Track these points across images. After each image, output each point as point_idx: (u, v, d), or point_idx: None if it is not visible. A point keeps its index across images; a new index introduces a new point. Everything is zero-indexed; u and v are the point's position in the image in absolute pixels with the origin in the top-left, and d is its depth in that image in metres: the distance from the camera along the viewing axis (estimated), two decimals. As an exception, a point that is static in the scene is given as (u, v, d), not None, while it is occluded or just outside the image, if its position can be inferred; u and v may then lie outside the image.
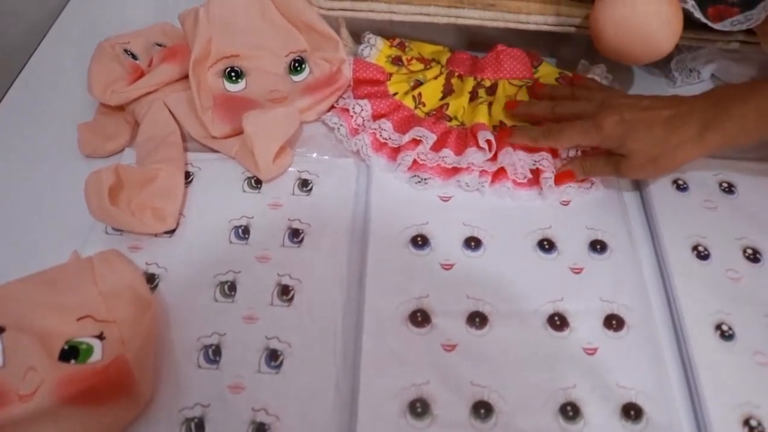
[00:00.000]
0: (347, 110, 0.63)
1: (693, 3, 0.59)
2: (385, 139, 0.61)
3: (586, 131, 0.57)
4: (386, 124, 0.61)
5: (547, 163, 0.59)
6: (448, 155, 0.59)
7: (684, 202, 0.60)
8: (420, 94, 0.65)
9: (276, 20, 0.65)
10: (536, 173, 0.60)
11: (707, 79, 0.71)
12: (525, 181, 0.60)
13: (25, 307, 0.49)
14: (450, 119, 0.63)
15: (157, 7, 0.81)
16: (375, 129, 0.61)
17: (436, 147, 0.60)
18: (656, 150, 0.54)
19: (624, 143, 0.55)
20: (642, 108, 0.55)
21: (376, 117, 0.63)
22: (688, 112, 0.54)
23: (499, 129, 0.62)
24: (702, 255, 0.57)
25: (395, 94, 0.65)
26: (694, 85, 0.71)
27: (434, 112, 0.64)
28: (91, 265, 0.52)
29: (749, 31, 0.61)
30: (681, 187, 0.61)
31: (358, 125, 0.62)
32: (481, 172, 0.60)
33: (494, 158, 0.60)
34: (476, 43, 0.75)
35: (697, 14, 0.59)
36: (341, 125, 0.62)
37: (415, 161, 0.60)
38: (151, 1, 0.82)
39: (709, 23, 0.59)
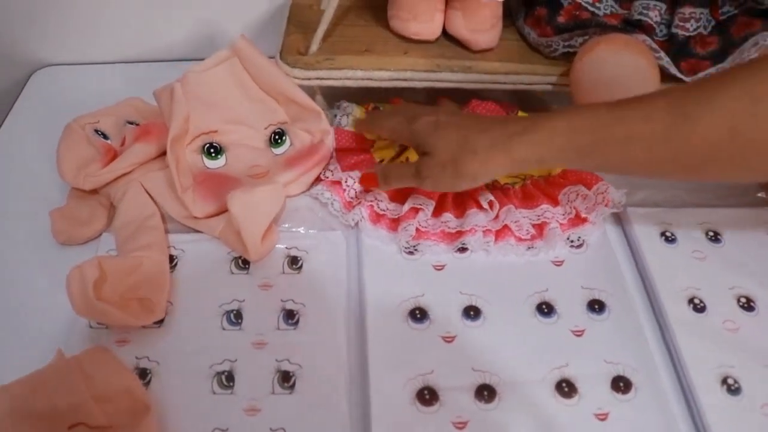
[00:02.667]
0: (338, 183, 0.62)
1: (668, 59, 0.60)
2: (383, 210, 0.60)
3: (400, 122, 0.57)
4: (381, 195, 0.60)
5: (550, 215, 0.60)
6: (449, 219, 0.59)
7: (674, 254, 0.61)
8: (408, 159, 0.64)
9: (254, 93, 0.64)
10: (539, 227, 0.61)
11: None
12: (528, 237, 0.60)
13: (11, 418, 0.46)
14: None
15: (124, 79, 0.79)
16: (371, 201, 0.60)
17: (436, 212, 0.59)
18: (459, 150, 0.51)
19: (429, 140, 0.53)
20: (459, 115, 0.56)
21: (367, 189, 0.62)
22: (500, 121, 0.52)
23: (495, 188, 0.63)
24: (698, 308, 0.57)
25: (381, 161, 0.64)
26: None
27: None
28: (80, 365, 0.49)
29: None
30: (669, 239, 0.62)
31: (352, 198, 0.61)
32: (484, 231, 0.59)
33: (496, 217, 0.59)
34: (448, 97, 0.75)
35: (672, 70, 0.60)
36: (334, 200, 0.61)
37: (417, 229, 0.59)
38: (117, 73, 0.80)
39: (684, 77, 0.61)
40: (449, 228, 0.59)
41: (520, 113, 0.69)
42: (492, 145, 0.50)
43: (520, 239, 0.60)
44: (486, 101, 0.68)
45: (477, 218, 0.58)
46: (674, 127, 0.46)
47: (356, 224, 0.61)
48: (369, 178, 0.59)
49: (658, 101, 0.47)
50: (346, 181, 0.61)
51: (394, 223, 0.60)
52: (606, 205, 0.61)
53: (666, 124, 0.46)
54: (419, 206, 0.59)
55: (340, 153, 0.65)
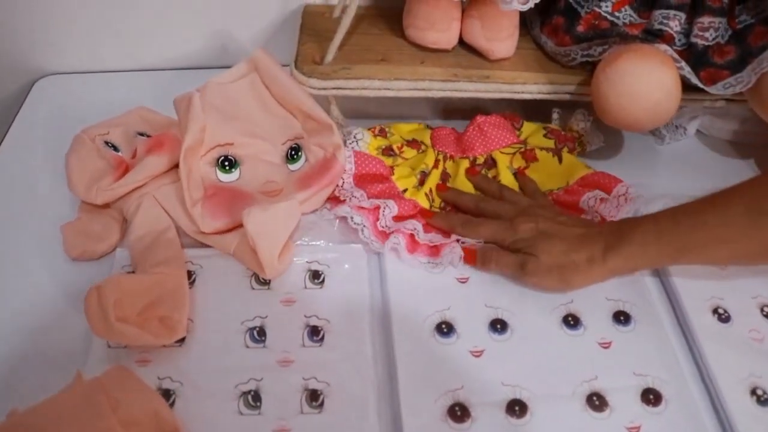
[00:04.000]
0: (366, 209, 0.60)
1: (689, 69, 0.60)
2: (423, 240, 0.59)
3: (502, 230, 0.59)
4: (418, 225, 0.59)
5: None
6: None
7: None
8: (431, 190, 0.64)
9: (273, 108, 0.63)
10: None
11: (692, 135, 0.73)
12: None
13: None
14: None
15: (128, 87, 0.77)
16: (411, 230, 0.59)
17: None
18: (563, 259, 0.56)
19: (535, 244, 0.57)
20: (557, 222, 0.58)
21: (397, 218, 0.61)
22: (596, 233, 0.57)
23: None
24: (723, 318, 0.57)
25: (404, 190, 0.63)
26: (681, 141, 0.73)
27: (449, 208, 0.64)
28: (103, 388, 0.48)
29: (736, 91, 0.63)
30: (690, 248, 0.62)
31: (384, 227, 0.59)
32: None
33: None
34: (449, 111, 0.75)
35: (694, 80, 0.60)
36: (365, 226, 0.59)
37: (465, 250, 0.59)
38: (121, 82, 0.78)
39: (705, 87, 0.61)
40: None
41: (526, 124, 0.69)
42: (590, 260, 0.56)
43: None
44: (490, 115, 0.68)
45: None
46: (754, 228, 0.51)
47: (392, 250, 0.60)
48: (470, 254, 0.59)
49: (734, 203, 0.52)
50: (383, 210, 0.60)
51: (434, 249, 0.59)
52: (627, 202, 0.62)
53: (745, 226, 0.51)
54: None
55: (361, 179, 0.63)
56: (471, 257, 0.59)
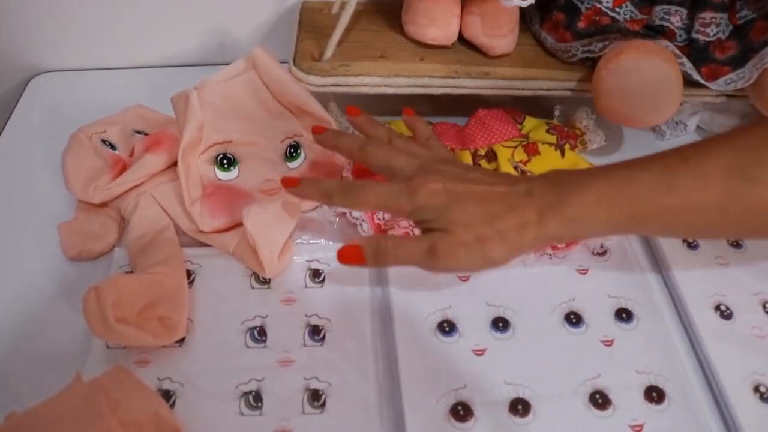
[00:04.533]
0: None
1: (690, 65, 0.59)
2: None
3: (395, 196, 0.45)
4: None
5: None
6: None
7: (697, 260, 0.60)
8: None
9: (271, 105, 0.62)
10: None
11: (693, 130, 0.73)
12: (563, 246, 0.59)
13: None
14: None
15: (124, 85, 0.77)
16: (406, 228, 0.58)
17: None
18: (485, 229, 0.43)
19: (444, 214, 0.44)
20: (470, 180, 0.46)
21: None
22: (525, 192, 0.45)
23: None
24: (725, 315, 0.57)
25: None
26: (682, 136, 0.72)
27: None
28: (102, 389, 0.47)
29: (737, 87, 0.63)
30: (691, 244, 0.61)
31: (380, 220, 0.59)
32: None
33: None
34: (450, 107, 0.74)
35: (695, 76, 0.60)
36: (363, 221, 0.59)
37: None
38: (116, 80, 0.78)
39: (706, 83, 0.60)
40: None
41: (528, 118, 0.68)
42: (522, 226, 0.44)
43: (554, 247, 0.59)
44: (492, 109, 0.67)
45: None
46: (736, 194, 0.42)
47: None
48: (349, 252, 0.46)
49: (711, 164, 0.43)
50: None
51: None
52: None
53: (725, 191, 0.42)
54: None
55: (359, 174, 0.62)
56: (354, 254, 0.46)
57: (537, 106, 0.71)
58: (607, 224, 0.44)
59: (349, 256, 0.46)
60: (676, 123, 0.71)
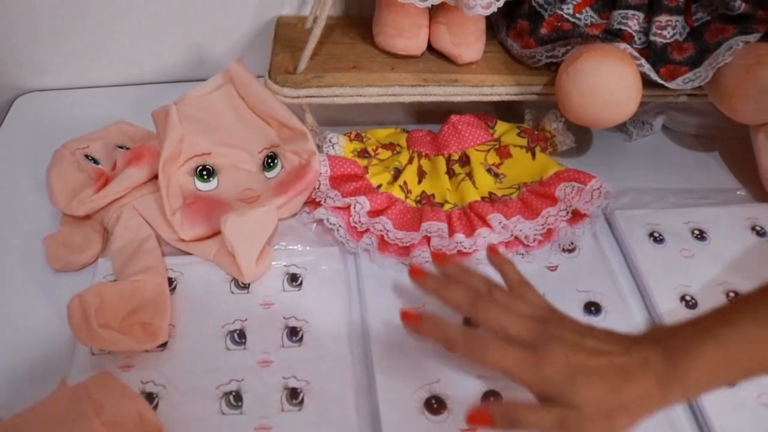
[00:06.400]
0: (341, 208, 0.62)
1: (648, 66, 0.62)
2: (393, 240, 0.60)
3: (522, 364, 0.45)
4: (388, 224, 0.61)
5: (552, 219, 0.62)
6: (462, 240, 0.60)
7: (663, 254, 0.63)
8: (405, 183, 0.65)
9: (249, 117, 0.65)
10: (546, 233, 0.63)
11: (658, 130, 0.75)
12: (535, 243, 0.62)
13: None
14: (442, 204, 0.64)
15: (108, 103, 0.79)
16: (381, 231, 0.60)
17: (448, 234, 0.61)
18: (610, 402, 0.43)
19: (570, 389, 0.43)
20: (589, 350, 0.45)
21: (372, 213, 0.62)
22: (641, 362, 0.45)
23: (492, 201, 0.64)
24: (690, 304, 0.59)
25: (379, 186, 0.65)
26: (648, 137, 0.75)
27: (424, 201, 0.64)
28: (87, 392, 0.49)
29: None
30: (657, 239, 0.63)
31: (356, 223, 0.61)
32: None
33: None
34: (425, 114, 0.76)
35: (654, 76, 0.62)
36: (340, 225, 0.61)
37: (432, 253, 0.60)
38: (101, 98, 0.80)
39: (664, 83, 0.63)
40: (464, 248, 0.60)
41: (500, 122, 0.70)
42: (644, 396, 0.44)
43: (526, 246, 0.62)
44: (464, 114, 0.70)
45: (490, 237, 0.60)
46: None
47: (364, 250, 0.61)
48: (479, 416, 0.45)
49: None
50: (354, 207, 0.61)
51: (404, 250, 0.61)
52: (600, 197, 0.63)
53: None
54: (432, 234, 0.60)
55: (336, 180, 0.64)
56: (483, 418, 0.45)
57: (510, 111, 0.74)
58: (725, 380, 0.46)
59: (478, 419, 0.46)
60: (643, 123, 0.74)
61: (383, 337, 0.56)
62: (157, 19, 0.76)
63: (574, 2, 0.65)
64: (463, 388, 0.53)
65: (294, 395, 0.52)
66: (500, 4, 0.62)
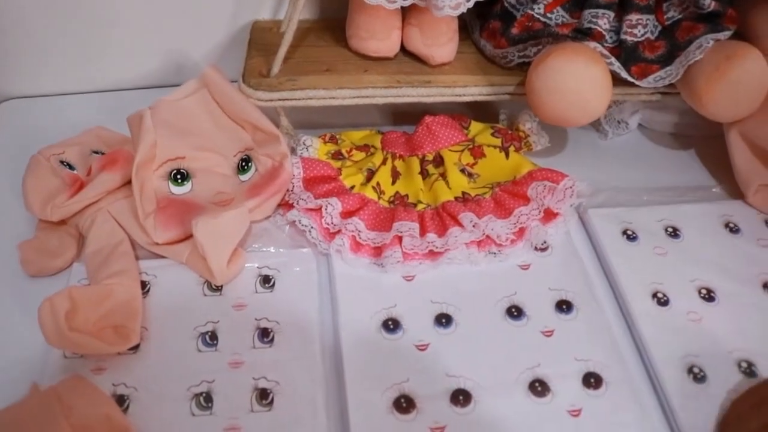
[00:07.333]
0: (314, 210, 0.62)
1: (618, 65, 0.62)
2: (365, 240, 0.61)
3: None
4: (360, 224, 0.61)
5: (525, 218, 0.62)
6: (434, 239, 0.60)
7: (636, 252, 0.63)
8: (378, 183, 0.65)
9: (223, 122, 0.65)
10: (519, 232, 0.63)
11: (634, 129, 0.75)
12: (508, 242, 0.62)
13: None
14: (415, 204, 0.64)
15: (86, 109, 0.79)
16: (353, 232, 0.61)
17: (420, 233, 0.61)
18: None
19: None
20: None
21: (344, 214, 0.62)
22: None
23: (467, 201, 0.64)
24: (662, 301, 0.59)
25: (352, 187, 0.65)
26: (624, 135, 0.75)
27: (397, 202, 0.65)
28: (57, 396, 0.49)
29: (669, 84, 0.65)
30: (630, 237, 0.64)
31: (329, 224, 0.62)
32: (466, 244, 0.61)
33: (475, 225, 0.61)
34: (400, 116, 0.77)
35: (624, 74, 0.62)
36: (312, 227, 0.61)
37: (404, 253, 0.60)
38: (78, 104, 0.80)
39: (635, 81, 0.63)
40: (436, 248, 0.60)
41: (474, 123, 0.71)
42: None
43: (498, 245, 0.62)
44: (439, 115, 0.70)
45: (461, 236, 0.60)
46: None
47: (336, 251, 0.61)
48: None
49: None
50: (326, 208, 0.61)
51: (376, 251, 0.61)
52: (572, 196, 0.63)
53: None
54: (403, 233, 0.60)
55: (309, 182, 0.65)
56: None
57: (485, 112, 0.74)
58: None
59: None
60: (618, 122, 0.74)
61: (353, 338, 0.56)
62: (137, 26, 0.77)
63: (545, 2, 0.65)
64: (432, 386, 0.53)
65: (264, 396, 0.52)
66: (470, 4, 0.62)
